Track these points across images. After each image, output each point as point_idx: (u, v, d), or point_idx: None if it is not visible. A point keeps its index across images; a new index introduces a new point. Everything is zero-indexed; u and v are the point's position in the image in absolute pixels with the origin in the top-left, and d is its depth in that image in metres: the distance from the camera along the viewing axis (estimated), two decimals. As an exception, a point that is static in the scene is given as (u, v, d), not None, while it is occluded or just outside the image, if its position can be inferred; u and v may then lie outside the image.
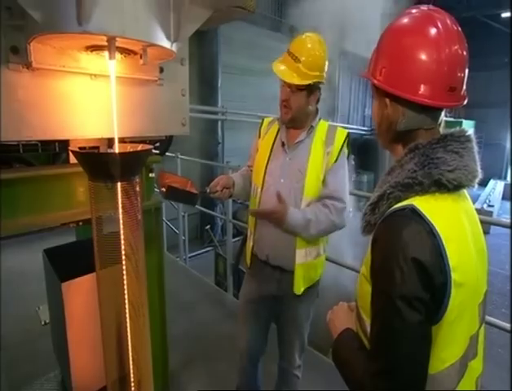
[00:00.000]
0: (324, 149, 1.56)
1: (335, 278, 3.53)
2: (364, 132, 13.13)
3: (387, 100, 0.84)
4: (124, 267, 1.11)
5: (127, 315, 1.16)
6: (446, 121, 0.87)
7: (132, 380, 1.22)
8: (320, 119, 1.64)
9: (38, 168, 1.31)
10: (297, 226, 1.49)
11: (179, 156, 4.53)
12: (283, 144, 1.62)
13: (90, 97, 1.20)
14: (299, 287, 1.61)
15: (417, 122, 0.82)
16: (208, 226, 7.30)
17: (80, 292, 1.49)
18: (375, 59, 0.87)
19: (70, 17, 0.81)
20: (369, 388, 0.71)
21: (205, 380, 2.40)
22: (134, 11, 0.89)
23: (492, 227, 7.57)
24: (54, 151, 1.32)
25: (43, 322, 2.73)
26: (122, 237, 1.08)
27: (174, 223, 5.12)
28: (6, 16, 0.97)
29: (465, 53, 0.77)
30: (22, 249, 3.76)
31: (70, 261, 1.60)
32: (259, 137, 1.76)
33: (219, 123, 8.08)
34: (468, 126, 12.07)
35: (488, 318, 1.83)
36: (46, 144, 1.29)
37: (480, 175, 0.79)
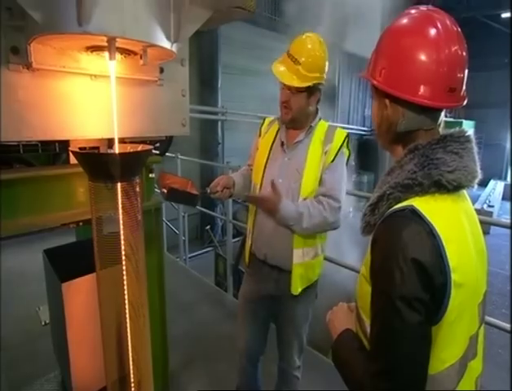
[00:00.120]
0: (322, 149, 1.56)
1: (335, 278, 3.53)
2: (364, 132, 13.13)
3: (387, 101, 0.84)
4: (124, 267, 1.11)
5: (127, 315, 1.16)
6: (446, 122, 0.87)
7: (132, 380, 1.22)
8: (320, 119, 1.64)
9: (38, 168, 1.32)
10: (290, 219, 1.48)
11: (179, 157, 4.53)
12: (282, 144, 1.63)
13: (90, 97, 1.20)
14: (296, 288, 1.60)
15: (416, 123, 0.82)
16: (208, 227, 7.30)
17: (80, 293, 1.49)
18: (374, 60, 0.87)
19: (70, 18, 0.81)
20: (369, 389, 0.71)
21: (205, 380, 2.40)
22: (134, 12, 0.89)
23: (492, 228, 7.59)
24: (54, 151, 1.33)
25: (43, 323, 2.74)
26: (122, 237, 1.08)
27: (174, 223, 5.12)
28: (7, 17, 0.97)
29: (464, 53, 0.77)
30: (22, 249, 3.76)
31: (70, 261, 1.60)
32: (260, 136, 1.76)
33: (219, 123, 8.08)
34: (468, 127, 12.07)
35: (488, 319, 1.82)
36: (47, 144, 1.29)
37: (480, 176, 0.79)
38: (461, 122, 11.28)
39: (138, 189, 1.09)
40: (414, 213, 0.72)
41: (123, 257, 1.10)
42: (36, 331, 2.64)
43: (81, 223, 1.37)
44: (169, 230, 5.21)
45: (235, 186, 1.69)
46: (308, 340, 1.81)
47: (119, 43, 0.94)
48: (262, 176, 1.63)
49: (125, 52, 1.05)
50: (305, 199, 1.54)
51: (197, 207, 2.17)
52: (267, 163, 1.63)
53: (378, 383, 0.70)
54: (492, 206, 10.95)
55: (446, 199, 0.76)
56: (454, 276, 0.69)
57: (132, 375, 1.22)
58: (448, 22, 0.77)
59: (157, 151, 1.69)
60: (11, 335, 2.47)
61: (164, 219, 4.17)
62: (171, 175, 1.61)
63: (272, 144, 1.66)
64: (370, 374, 0.72)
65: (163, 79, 1.40)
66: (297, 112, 1.56)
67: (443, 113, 0.84)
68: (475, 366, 0.83)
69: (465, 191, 0.83)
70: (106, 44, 0.93)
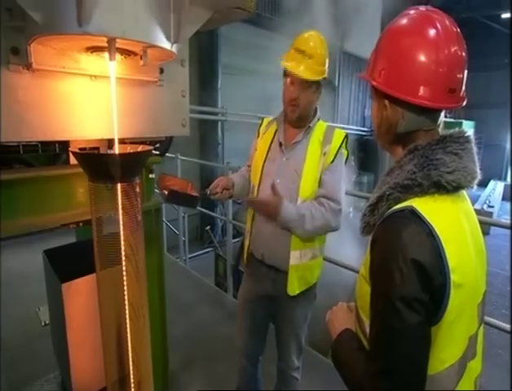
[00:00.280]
0: (321, 150, 1.55)
1: (334, 278, 3.53)
2: (364, 133, 13.13)
3: (387, 102, 0.84)
4: (124, 268, 1.11)
5: (127, 316, 1.16)
6: (446, 122, 0.87)
7: (132, 380, 1.22)
8: (318, 119, 1.64)
9: (38, 169, 1.32)
10: (292, 221, 1.47)
11: (179, 157, 4.53)
12: (280, 144, 1.62)
13: (90, 98, 1.20)
14: (293, 289, 1.60)
15: (416, 124, 0.82)
16: (208, 227, 7.30)
17: (80, 293, 1.49)
18: (374, 61, 0.87)
19: (70, 18, 0.81)
20: (369, 389, 0.71)
21: (205, 380, 2.40)
22: (134, 12, 0.89)
23: (492, 228, 7.59)
24: (54, 152, 1.33)
25: (43, 323, 2.74)
26: (122, 238, 1.08)
27: (174, 224, 5.12)
28: (7, 17, 0.97)
29: (464, 54, 0.77)
30: (22, 250, 3.76)
31: (70, 261, 1.60)
32: (258, 136, 1.76)
33: (219, 124, 8.09)
34: (468, 127, 12.08)
35: (488, 319, 1.82)
36: (47, 145, 1.29)
37: (479, 176, 0.79)
38: (461, 123, 11.29)
39: (138, 189, 1.09)
40: (414, 214, 0.72)
41: (123, 258, 1.10)
42: (36, 332, 2.64)
43: (81, 224, 1.37)
44: (170, 231, 5.21)
45: (234, 187, 1.69)
46: (308, 340, 1.80)
47: (119, 44, 0.95)
48: (260, 177, 1.63)
49: (125, 53, 1.05)
50: (304, 200, 1.54)
51: (197, 207, 2.18)
52: (264, 163, 1.63)
53: (378, 383, 0.70)
54: (492, 206, 10.94)
55: (445, 199, 0.76)
56: (453, 276, 0.69)
57: (132, 376, 1.22)
58: (447, 22, 0.77)
59: (157, 152, 1.70)
60: (10, 335, 2.47)
61: (164, 219, 4.17)
62: (171, 177, 1.61)
63: (270, 145, 1.66)
64: (370, 374, 0.72)
65: (163, 79, 1.40)
66: (305, 108, 1.56)
67: (442, 114, 0.84)
68: (475, 366, 0.83)
69: (464, 192, 0.83)
70: (106, 44, 0.93)
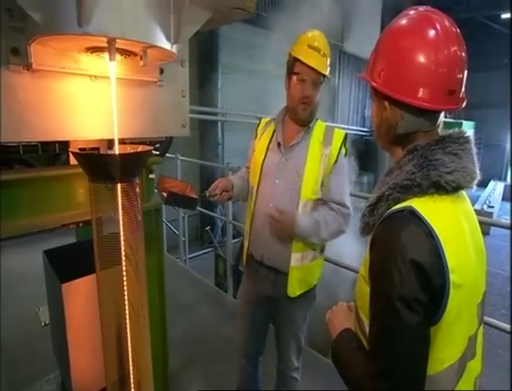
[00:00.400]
0: (321, 150, 1.55)
1: (334, 278, 3.52)
2: (364, 133, 13.13)
3: (386, 103, 0.84)
4: (124, 268, 1.11)
5: (127, 316, 1.16)
6: (446, 122, 0.87)
7: (132, 381, 1.22)
8: (317, 119, 1.63)
9: (38, 169, 1.32)
10: (308, 232, 1.51)
11: (179, 157, 4.53)
12: (279, 145, 1.61)
13: (90, 98, 1.20)
14: (294, 291, 1.60)
15: (415, 125, 0.82)
16: (208, 227, 7.29)
17: (80, 293, 1.49)
18: (373, 61, 0.87)
19: (70, 19, 0.81)
20: (368, 389, 0.72)
21: (205, 380, 2.40)
22: (134, 13, 0.89)
23: (492, 228, 7.59)
24: (54, 152, 1.33)
25: (43, 324, 2.74)
26: (122, 238, 1.08)
27: (174, 224, 5.12)
28: (7, 18, 0.97)
29: (464, 54, 0.77)
30: (22, 250, 3.76)
31: (70, 262, 1.60)
32: (256, 137, 1.74)
33: (219, 124, 8.08)
34: (468, 127, 12.07)
35: (488, 320, 1.83)
36: (47, 145, 1.29)
37: (479, 176, 0.79)
38: (461, 123, 11.29)
39: (138, 190, 1.09)
40: (413, 214, 0.72)
41: (123, 258, 1.10)
42: (36, 332, 2.64)
43: (81, 224, 1.37)
44: (170, 231, 5.21)
45: (233, 188, 1.67)
46: (308, 340, 1.80)
47: (119, 44, 0.95)
48: (260, 177, 1.62)
49: (125, 53, 1.05)
50: (305, 201, 1.54)
51: (197, 207, 2.18)
52: (263, 164, 1.62)
53: (377, 383, 0.70)
54: (492, 207, 10.93)
55: (445, 200, 0.76)
56: (453, 277, 0.69)
57: (132, 376, 1.22)
58: (446, 23, 0.77)
59: (157, 152, 1.70)
60: (10, 335, 2.47)
61: (164, 220, 4.17)
62: (170, 179, 1.61)
63: (268, 145, 1.64)
64: (369, 374, 0.72)
65: (163, 80, 1.40)
66: (315, 105, 1.57)
67: (442, 115, 0.84)
68: (474, 366, 0.83)
69: (464, 192, 0.83)
70: (106, 45, 0.94)
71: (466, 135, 0.81)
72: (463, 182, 0.76)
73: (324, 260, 1.78)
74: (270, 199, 1.57)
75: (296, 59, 1.52)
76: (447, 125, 0.85)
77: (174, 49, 1.05)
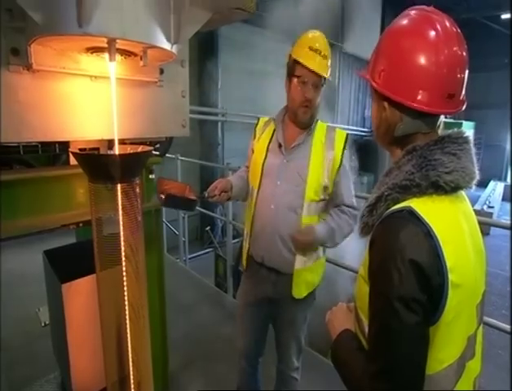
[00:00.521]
0: (324, 152, 1.55)
1: (334, 278, 3.52)
2: (364, 133, 13.13)
3: (386, 104, 0.83)
4: (124, 268, 1.11)
5: (127, 317, 1.16)
6: (446, 122, 0.86)
7: (132, 381, 1.22)
8: (317, 120, 1.62)
9: (38, 169, 1.32)
10: (325, 240, 1.56)
11: (179, 158, 4.53)
12: (280, 145, 1.59)
13: (90, 98, 1.20)
14: (300, 292, 1.60)
15: (414, 127, 0.82)
16: (208, 228, 7.29)
17: (80, 294, 1.49)
18: (374, 60, 0.86)
19: (70, 19, 0.81)
20: (368, 389, 0.72)
21: (205, 381, 2.40)
22: (134, 13, 0.90)
23: (492, 228, 7.59)
24: (54, 152, 1.33)
25: (43, 324, 2.74)
26: (122, 238, 1.08)
27: (174, 224, 5.12)
28: (7, 18, 0.97)
29: (464, 54, 0.77)
30: (22, 251, 3.76)
31: (70, 262, 1.60)
32: (254, 137, 1.72)
33: (219, 124, 8.08)
34: (468, 127, 12.07)
35: (488, 320, 1.83)
36: (47, 146, 1.29)
37: (478, 177, 0.79)
38: (461, 123, 11.28)
39: (138, 190, 1.09)
40: (412, 214, 0.72)
41: (123, 258, 1.10)
42: (36, 332, 2.64)
43: (81, 224, 1.37)
44: (169, 231, 5.21)
45: (233, 188, 1.66)
46: (307, 340, 1.80)
47: (119, 44, 0.95)
48: (260, 178, 1.60)
49: (126, 53, 1.06)
50: (309, 202, 1.54)
51: (197, 208, 2.18)
52: (263, 165, 1.60)
53: (377, 383, 0.70)
54: (492, 207, 10.93)
55: (444, 200, 0.76)
56: (451, 277, 0.69)
57: (132, 377, 1.22)
58: (447, 23, 0.77)
59: (157, 152, 1.70)
60: (10, 336, 2.47)
61: (164, 220, 4.17)
62: (169, 181, 1.60)
63: (268, 145, 1.62)
64: (369, 374, 0.72)
65: (163, 80, 1.40)
66: (316, 108, 1.56)
67: (442, 116, 0.84)
68: (474, 366, 0.83)
69: (463, 192, 0.83)
70: (106, 45, 0.94)
71: (465, 135, 0.81)
72: (462, 182, 0.76)
73: (326, 260, 1.77)
74: (271, 201, 1.56)
75: (296, 62, 1.50)
76: (447, 125, 0.85)
77: (174, 49, 1.05)
